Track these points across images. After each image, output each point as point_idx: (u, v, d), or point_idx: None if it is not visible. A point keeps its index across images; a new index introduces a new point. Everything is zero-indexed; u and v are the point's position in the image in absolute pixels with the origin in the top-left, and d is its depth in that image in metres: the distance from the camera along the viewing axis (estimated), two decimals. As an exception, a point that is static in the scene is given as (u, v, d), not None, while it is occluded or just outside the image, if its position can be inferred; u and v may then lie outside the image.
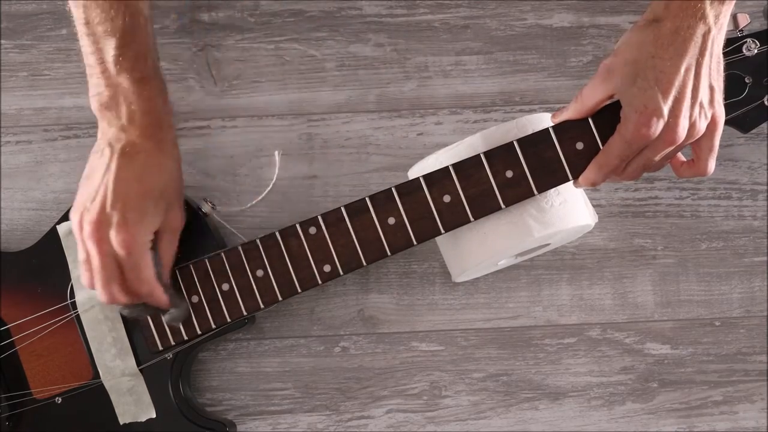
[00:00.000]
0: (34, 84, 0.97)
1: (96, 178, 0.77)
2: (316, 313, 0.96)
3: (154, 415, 0.88)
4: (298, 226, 0.84)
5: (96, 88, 0.77)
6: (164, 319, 0.84)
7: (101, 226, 0.76)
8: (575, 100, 0.79)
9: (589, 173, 0.79)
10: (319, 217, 0.84)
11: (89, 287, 0.79)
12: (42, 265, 0.89)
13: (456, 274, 0.90)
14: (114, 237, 0.76)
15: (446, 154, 0.85)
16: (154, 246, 0.79)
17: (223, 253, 0.85)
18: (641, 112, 0.73)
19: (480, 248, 0.85)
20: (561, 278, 0.96)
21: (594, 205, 0.92)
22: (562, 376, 0.95)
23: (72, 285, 0.88)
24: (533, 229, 0.83)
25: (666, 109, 0.72)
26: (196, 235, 0.88)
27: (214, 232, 0.89)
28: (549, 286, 0.96)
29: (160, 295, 0.80)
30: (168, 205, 0.79)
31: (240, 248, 0.85)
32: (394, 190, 0.83)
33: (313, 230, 0.84)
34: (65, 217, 0.89)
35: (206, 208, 0.89)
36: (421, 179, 0.82)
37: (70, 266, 0.88)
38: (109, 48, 0.76)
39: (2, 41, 0.97)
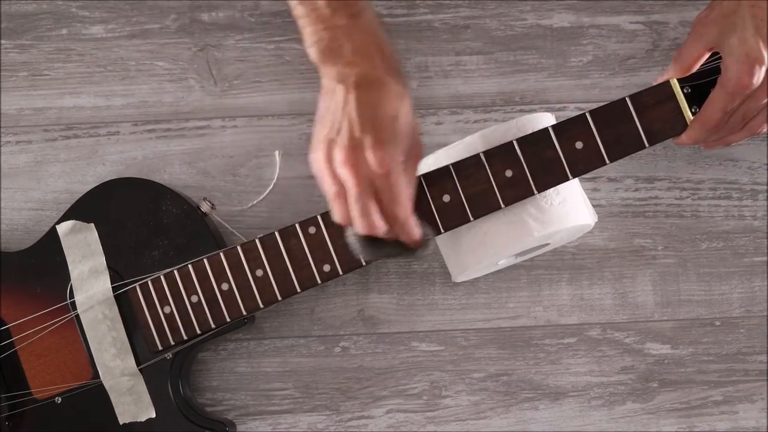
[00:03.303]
0: (34, 84, 0.97)
1: (335, 113, 0.74)
2: (316, 313, 0.95)
3: (153, 415, 0.88)
4: (297, 225, 0.84)
5: (313, 37, 0.75)
6: (414, 255, 0.80)
7: (355, 150, 0.72)
8: (674, 60, 0.79)
9: (692, 131, 0.79)
10: (319, 217, 0.84)
11: (343, 222, 0.76)
12: (42, 265, 0.89)
13: (456, 274, 0.90)
14: (371, 157, 0.72)
15: (446, 154, 0.85)
16: None
17: (222, 253, 0.85)
18: (743, 61, 0.73)
19: (480, 248, 0.85)
20: (561, 278, 0.96)
21: (594, 205, 0.92)
22: (562, 376, 0.95)
23: (72, 285, 0.88)
24: (533, 228, 0.83)
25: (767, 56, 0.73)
26: (196, 235, 0.88)
27: (214, 232, 0.89)
28: (549, 286, 0.96)
29: (413, 224, 0.77)
30: (409, 129, 0.76)
31: (239, 248, 0.85)
32: (393, 189, 0.83)
33: (312, 230, 0.84)
34: (65, 217, 0.89)
35: (205, 207, 0.89)
36: (421, 179, 0.82)
37: (70, 266, 0.88)
38: None
39: (2, 41, 0.97)
